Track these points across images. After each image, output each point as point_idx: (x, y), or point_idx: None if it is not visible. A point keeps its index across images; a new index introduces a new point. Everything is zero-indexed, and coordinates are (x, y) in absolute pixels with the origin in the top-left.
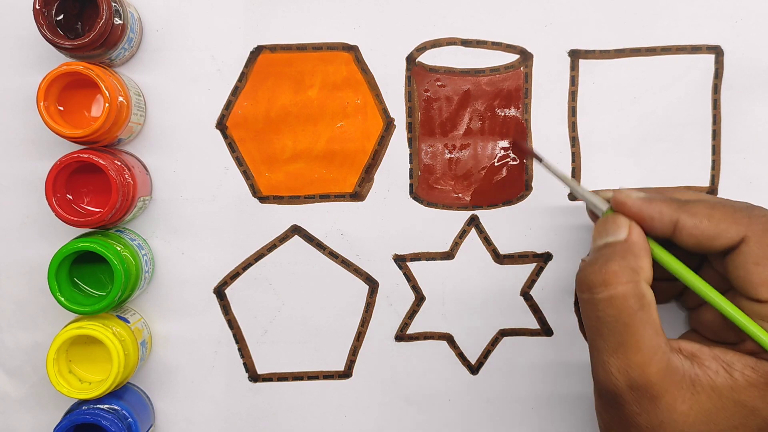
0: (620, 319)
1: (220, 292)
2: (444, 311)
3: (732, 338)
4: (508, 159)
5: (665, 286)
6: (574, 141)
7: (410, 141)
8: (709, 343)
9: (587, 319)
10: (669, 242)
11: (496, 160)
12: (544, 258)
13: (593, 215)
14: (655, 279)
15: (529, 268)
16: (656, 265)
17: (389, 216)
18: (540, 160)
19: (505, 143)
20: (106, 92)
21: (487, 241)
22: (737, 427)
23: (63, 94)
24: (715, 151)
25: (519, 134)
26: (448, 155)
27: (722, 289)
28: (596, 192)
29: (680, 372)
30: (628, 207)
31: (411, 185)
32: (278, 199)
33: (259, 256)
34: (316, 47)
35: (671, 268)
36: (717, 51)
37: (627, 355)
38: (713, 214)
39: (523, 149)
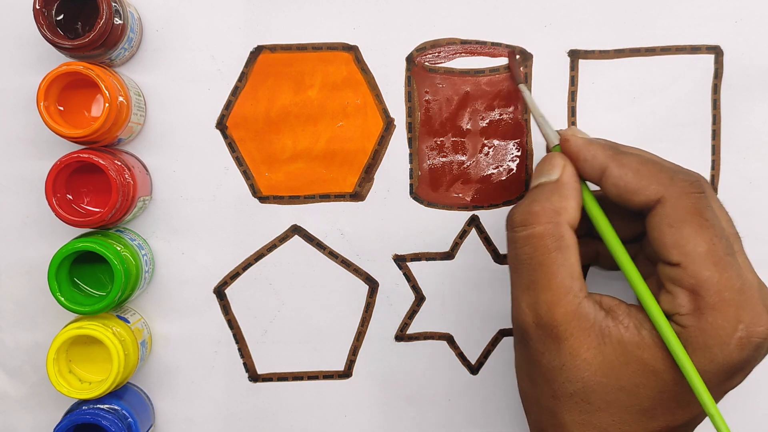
0: (535, 257)
1: (220, 292)
2: (444, 311)
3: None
4: (509, 159)
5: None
6: None
7: (410, 141)
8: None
9: (509, 256)
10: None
11: (496, 160)
12: None
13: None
14: (586, 235)
15: None
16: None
17: (389, 216)
18: (518, 83)
19: (508, 143)
20: (106, 92)
21: (487, 241)
22: (638, 385)
23: (63, 94)
24: (715, 151)
25: (518, 133)
26: (448, 155)
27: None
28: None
29: (590, 319)
30: (569, 144)
31: (411, 185)
32: (278, 199)
33: (259, 256)
34: (316, 47)
35: (595, 220)
36: (717, 51)
37: (537, 292)
38: (640, 169)
39: (511, 65)
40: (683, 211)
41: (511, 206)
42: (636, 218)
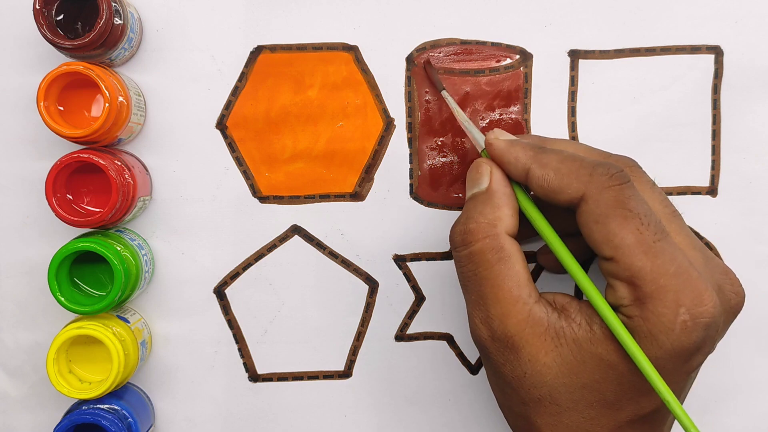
0: (479, 273)
1: (220, 292)
2: (444, 311)
3: None
4: None
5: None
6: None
7: (410, 141)
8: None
9: (457, 273)
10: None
11: None
12: None
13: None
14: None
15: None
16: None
17: (389, 216)
18: (439, 89)
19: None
20: (106, 92)
21: None
22: (599, 380)
23: (63, 94)
24: (715, 151)
25: (518, 133)
26: (448, 155)
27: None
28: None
29: (544, 323)
30: (492, 149)
31: (411, 185)
32: (278, 199)
33: (259, 256)
34: (316, 47)
35: (532, 220)
36: (717, 51)
37: (487, 307)
38: (560, 168)
39: (428, 74)
40: (605, 205)
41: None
42: (572, 214)
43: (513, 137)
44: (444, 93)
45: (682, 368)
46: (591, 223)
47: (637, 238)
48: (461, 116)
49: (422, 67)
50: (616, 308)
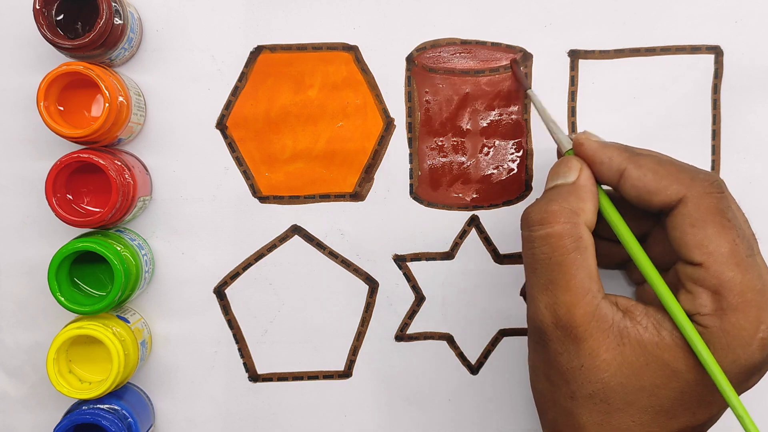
0: (553, 257)
1: (220, 292)
2: (444, 311)
3: None
4: (509, 159)
5: (611, 248)
6: None
7: (410, 141)
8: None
9: (525, 255)
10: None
11: (496, 160)
12: None
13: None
14: (601, 238)
15: None
16: (605, 226)
17: (389, 216)
18: (526, 90)
19: (508, 143)
20: (106, 92)
21: (487, 241)
22: (659, 386)
23: (63, 94)
24: (715, 151)
25: (518, 133)
26: (448, 155)
27: (667, 263)
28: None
29: (608, 320)
30: (584, 148)
31: (411, 185)
32: (278, 199)
33: (259, 256)
34: (316, 47)
35: (612, 223)
36: (717, 51)
37: (556, 293)
38: (658, 170)
39: (515, 73)
40: (705, 210)
41: (511, 206)
42: (644, 219)
43: (603, 139)
44: (530, 92)
45: (743, 384)
46: (686, 226)
47: (732, 249)
48: (547, 116)
49: (510, 65)
50: (690, 316)
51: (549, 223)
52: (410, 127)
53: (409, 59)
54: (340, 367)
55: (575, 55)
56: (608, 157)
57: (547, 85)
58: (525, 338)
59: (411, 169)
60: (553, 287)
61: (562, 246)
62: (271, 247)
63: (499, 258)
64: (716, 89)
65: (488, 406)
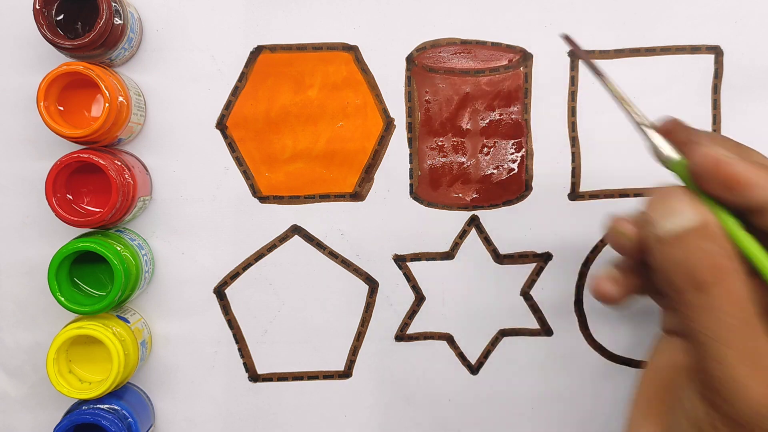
0: (743, 319)
1: (220, 292)
2: (444, 311)
3: None
4: (509, 159)
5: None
6: (574, 141)
7: (410, 141)
8: None
9: (695, 323)
10: None
11: (496, 160)
12: (544, 258)
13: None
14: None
15: (529, 268)
16: None
17: (389, 216)
18: (600, 75)
19: (508, 143)
20: (106, 92)
21: (487, 241)
22: None
23: (63, 94)
24: None
25: (518, 133)
26: (448, 155)
27: None
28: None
29: None
30: (722, 166)
31: (411, 185)
32: (278, 199)
33: (259, 256)
34: (316, 47)
35: (755, 261)
36: (717, 51)
37: (764, 363)
38: None
39: (575, 47)
40: None
41: (511, 206)
42: None
43: (729, 153)
44: (607, 78)
45: None
46: None
47: None
48: (642, 118)
49: (566, 41)
50: None
51: (721, 279)
52: (410, 127)
53: (409, 59)
54: (340, 367)
55: (575, 55)
56: (765, 178)
57: (547, 85)
58: (525, 338)
59: (411, 169)
60: (758, 356)
61: (747, 307)
62: (271, 247)
63: (499, 258)
64: (716, 89)
65: (488, 406)
